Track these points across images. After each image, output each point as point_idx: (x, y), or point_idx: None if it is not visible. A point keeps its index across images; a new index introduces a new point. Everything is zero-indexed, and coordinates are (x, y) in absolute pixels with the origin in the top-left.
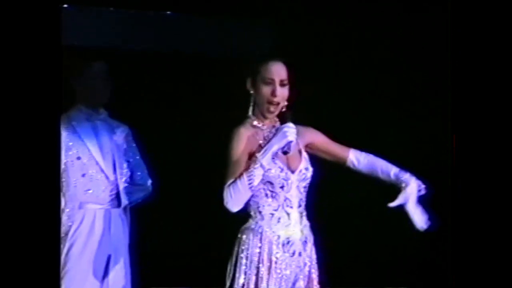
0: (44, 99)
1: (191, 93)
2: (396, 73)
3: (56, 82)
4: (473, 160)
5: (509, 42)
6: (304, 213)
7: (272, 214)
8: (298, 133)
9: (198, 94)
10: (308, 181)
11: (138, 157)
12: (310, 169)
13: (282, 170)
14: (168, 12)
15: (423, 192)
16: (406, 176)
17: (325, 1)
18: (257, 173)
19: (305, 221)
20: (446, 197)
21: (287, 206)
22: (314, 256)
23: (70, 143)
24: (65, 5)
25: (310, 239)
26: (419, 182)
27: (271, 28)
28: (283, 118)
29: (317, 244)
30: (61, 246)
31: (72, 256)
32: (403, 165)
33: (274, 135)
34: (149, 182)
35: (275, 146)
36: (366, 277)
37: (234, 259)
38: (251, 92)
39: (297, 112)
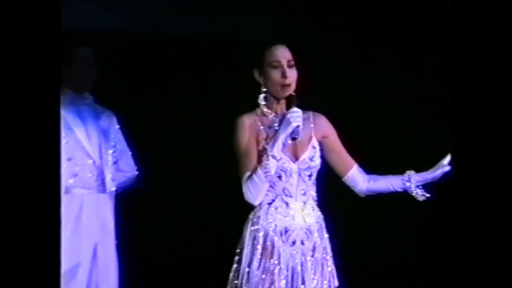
0: (43, 91)
1: (179, 78)
2: (396, 73)
3: (56, 75)
4: (473, 160)
5: (509, 42)
6: (311, 202)
7: (270, 204)
8: (313, 121)
9: (185, 79)
10: (313, 170)
11: (123, 143)
12: (317, 159)
13: (279, 160)
14: None
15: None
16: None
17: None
18: (271, 165)
19: (310, 210)
20: (446, 197)
21: (286, 195)
22: (324, 244)
23: None
24: None
25: (318, 227)
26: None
27: (270, 11)
28: (288, 102)
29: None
30: None
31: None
32: (403, 165)
33: (280, 122)
34: (135, 168)
35: (282, 135)
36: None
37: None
38: (260, 81)
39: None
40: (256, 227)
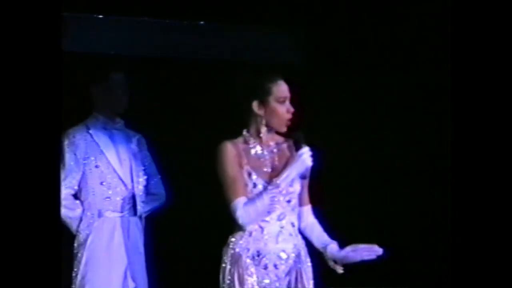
0: (45, 107)
1: (205, 101)
2: (396, 73)
3: (57, 90)
4: (473, 160)
5: (509, 42)
6: (289, 228)
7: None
8: (295, 148)
9: (212, 102)
10: (292, 195)
11: (153, 166)
12: (296, 185)
13: (256, 185)
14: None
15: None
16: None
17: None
18: (277, 193)
19: (286, 236)
20: (446, 197)
21: (262, 220)
22: (301, 269)
23: (88, 151)
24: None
25: (295, 252)
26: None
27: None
28: (297, 141)
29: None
30: (79, 254)
31: (92, 264)
32: (403, 165)
33: (294, 160)
34: (163, 191)
35: (294, 171)
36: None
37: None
38: (260, 114)
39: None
40: (231, 249)
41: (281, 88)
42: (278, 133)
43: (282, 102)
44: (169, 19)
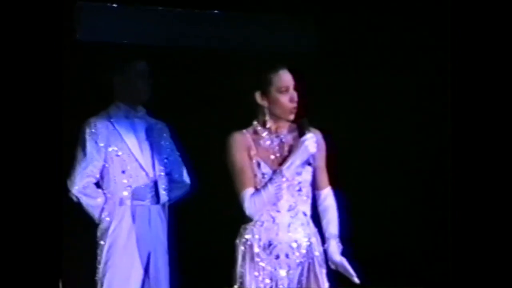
0: (46, 96)
1: (228, 91)
2: (396, 73)
3: (58, 78)
4: (473, 161)
5: (509, 42)
6: (301, 217)
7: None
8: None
9: (235, 92)
10: (302, 184)
11: (176, 155)
12: (306, 174)
13: (264, 175)
14: (215, 11)
15: (340, 248)
16: (331, 239)
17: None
18: (282, 182)
19: (298, 225)
20: (446, 197)
21: (272, 210)
22: (314, 256)
23: (110, 140)
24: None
25: (307, 242)
26: (339, 244)
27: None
28: (300, 127)
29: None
30: (101, 241)
31: (114, 252)
32: (403, 165)
33: (297, 147)
34: (187, 179)
35: (298, 160)
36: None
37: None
38: (263, 104)
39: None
40: (243, 239)
41: (282, 78)
42: (290, 121)
43: (283, 91)
44: (180, 8)
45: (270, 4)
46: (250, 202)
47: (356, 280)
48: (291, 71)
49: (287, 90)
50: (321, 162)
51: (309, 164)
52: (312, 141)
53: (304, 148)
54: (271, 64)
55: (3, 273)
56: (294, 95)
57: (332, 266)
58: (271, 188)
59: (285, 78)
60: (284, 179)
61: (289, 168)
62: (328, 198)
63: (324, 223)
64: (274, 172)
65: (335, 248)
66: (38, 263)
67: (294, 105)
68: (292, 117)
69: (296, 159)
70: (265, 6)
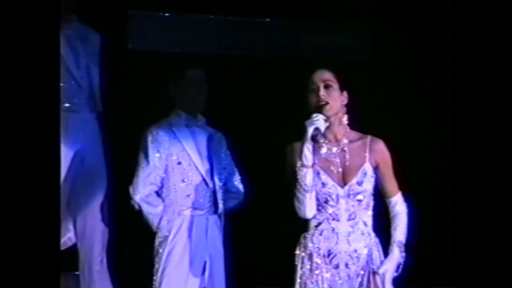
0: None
1: (285, 99)
2: (396, 73)
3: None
4: (472, 161)
5: (509, 42)
6: (361, 227)
7: (317, 226)
8: (370, 146)
9: (292, 100)
10: (362, 195)
11: (232, 164)
12: (367, 185)
13: (324, 185)
14: (267, 19)
15: (402, 259)
16: (394, 245)
17: None
18: (303, 174)
19: (358, 235)
20: (446, 197)
21: (333, 219)
22: (373, 266)
23: (171, 148)
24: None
25: (367, 252)
26: (402, 254)
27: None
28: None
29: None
30: (160, 249)
31: (172, 260)
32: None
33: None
34: (242, 189)
35: (304, 141)
36: None
37: None
38: (309, 108)
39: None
40: (302, 248)
41: (311, 77)
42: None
43: (312, 89)
44: (234, 16)
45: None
46: (295, 205)
47: None
48: (333, 72)
49: (315, 87)
50: (387, 170)
51: (315, 141)
52: (315, 119)
53: (305, 128)
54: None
55: (3, 273)
56: (321, 90)
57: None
58: (297, 184)
59: (314, 76)
60: (301, 167)
61: (301, 155)
62: (397, 205)
63: (391, 229)
64: (339, 182)
65: (395, 256)
66: (38, 263)
67: (320, 99)
68: (323, 112)
69: (302, 144)
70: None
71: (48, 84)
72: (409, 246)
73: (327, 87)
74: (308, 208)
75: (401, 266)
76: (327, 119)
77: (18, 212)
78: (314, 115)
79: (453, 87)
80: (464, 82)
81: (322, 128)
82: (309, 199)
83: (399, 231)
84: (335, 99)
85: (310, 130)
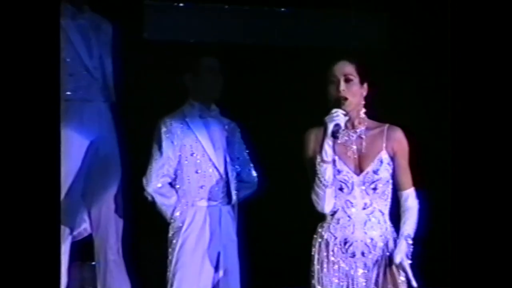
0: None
1: (299, 90)
2: (396, 73)
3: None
4: (472, 161)
5: (509, 42)
6: (377, 215)
7: (333, 215)
8: (387, 134)
9: (306, 90)
10: (378, 183)
11: (245, 154)
12: (383, 173)
13: (339, 172)
14: (282, 9)
15: (410, 248)
16: (401, 238)
17: None
18: (323, 169)
19: (374, 223)
20: (446, 197)
21: (348, 207)
22: (390, 255)
23: (184, 139)
24: (180, 3)
25: (383, 240)
26: (410, 245)
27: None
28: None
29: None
30: (173, 240)
31: (185, 251)
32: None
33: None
34: (255, 179)
35: (325, 137)
36: None
37: None
38: (329, 97)
39: None
40: (318, 237)
41: (332, 69)
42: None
43: (332, 81)
44: (249, 5)
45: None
46: (313, 199)
47: (414, 284)
48: (353, 63)
49: (335, 79)
50: (402, 161)
51: (336, 137)
52: (334, 115)
53: (325, 123)
54: (332, 58)
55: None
56: (341, 84)
57: (414, 284)
58: (316, 178)
59: (334, 68)
60: (320, 162)
61: (321, 150)
62: (409, 199)
63: (401, 223)
64: (355, 169)
65: (403, 247)
66: (37, 263)
67: (340, 94)
68: (340, 107)
69: (323, 139)
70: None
71: (48, 81)
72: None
73: (347, 81)
74: (327, 203)
75: (410, 255)
76: (346, 114)
77: (19, 210)
78: (334, 110)
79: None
80: (464, 83)
81: (342, 124)
82: (328, 194)
83: (409, 225)
84: (355, 94)
85: (331, 126)
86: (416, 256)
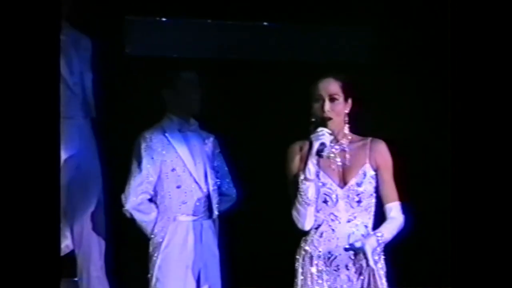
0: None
1: (280, 104)
2: (396, 73)
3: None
4: (472, 161)
5: (509, 42)
6: (361, 228)
7: (316, 229)
8: (370, 147)
9: (286, 103)
10: (361, 196)
11: (225, 167)
12: (366, 185)
13: (324, 185)
14: (265, 23)
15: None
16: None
17: None
18: (305, 187)
19: (358, 236)
20: (446, 197)
21: (332, 220)
22: (375, 269)
23: (165, 155)
24: (162, 18)
25: (365, 253)
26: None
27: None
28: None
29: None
30: (153, 257)
31: (166, 267)
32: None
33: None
34: (234, 192)
35: (309, 156)
36: None
37: None
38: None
39: None
40: (302, 250)
41: (317, 86)
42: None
43: (317, 100)
44: (231, 21)
45: (324, 15)
46: (293, 216)
47: (371, 263)
48: (338, 80)
49: (320, 98)
50: (386, 174)
51: (321, 156)
52: (320, 133)
53: (315, 137)
54: (322, 74)
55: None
56: (326, 104)
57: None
58: (298, 196)
59: (320, 86)
60: (303, 180)
61: (305, 168)
62: (392, 212)
63: (381, 226)
64: (339, 183)
65: (370, 239)
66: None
67: (324, 114)
68: (324, 125)
69: (308, 157)
70: (318, 17)
71: (48, 88)
72: (409, 247)
73: (332, 100)
74: (308, 221)
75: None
76: (331, 133)
77: (18, 217)
78: (320, 129)
79: (453, 89)
80: (464, 84)
81: (328, 143)
82: (309, 212)
83: (385, 228)
84: (339, 113)
85: (316, 145)
86: (416, 256)
